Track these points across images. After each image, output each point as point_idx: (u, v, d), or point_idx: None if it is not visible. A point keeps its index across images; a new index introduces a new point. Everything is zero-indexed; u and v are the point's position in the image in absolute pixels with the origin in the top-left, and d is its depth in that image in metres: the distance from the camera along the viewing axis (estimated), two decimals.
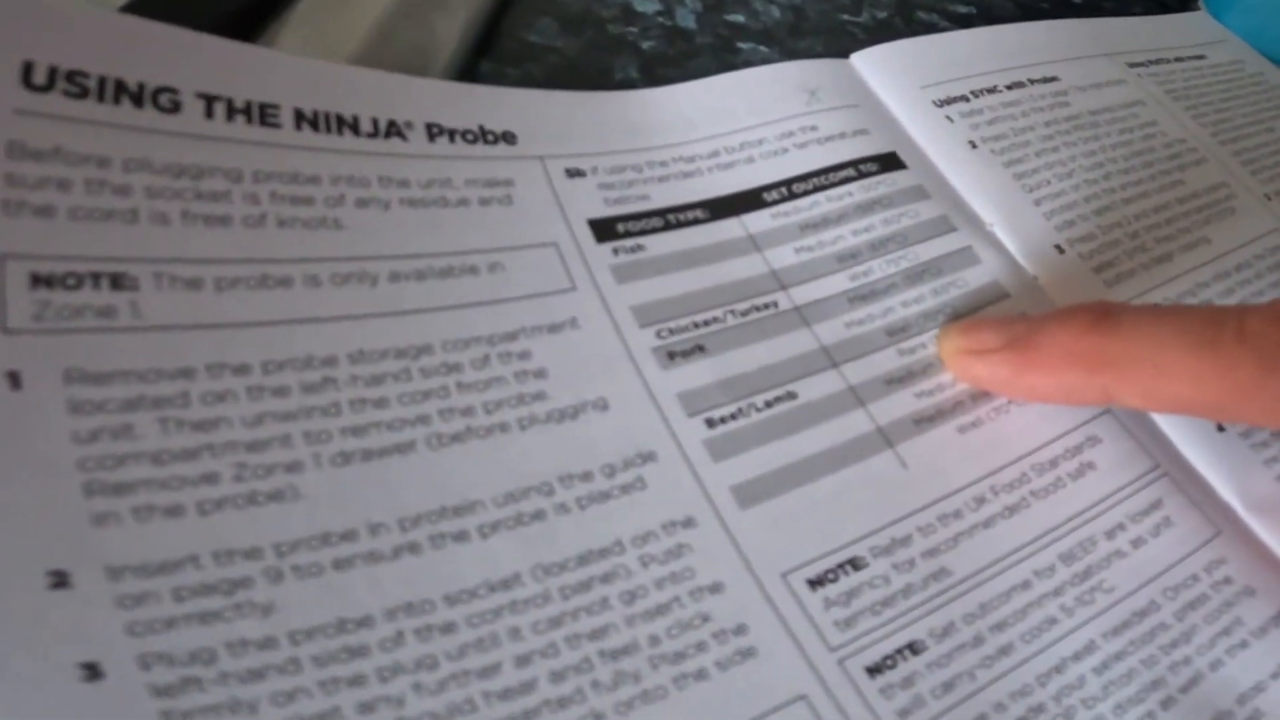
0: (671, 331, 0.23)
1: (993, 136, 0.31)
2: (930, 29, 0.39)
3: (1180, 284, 0.29)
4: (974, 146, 0.31)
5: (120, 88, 0.20)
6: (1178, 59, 0.39)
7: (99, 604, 0.16)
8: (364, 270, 0.21)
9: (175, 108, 0.21)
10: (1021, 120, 0.32)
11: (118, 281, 0.18)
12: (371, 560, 0.18)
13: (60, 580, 0.15)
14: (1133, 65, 0.37)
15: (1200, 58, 0.39)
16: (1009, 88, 0.33)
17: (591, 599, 0.19)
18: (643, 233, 0.25)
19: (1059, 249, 0.29)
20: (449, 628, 0.18)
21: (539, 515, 0.20)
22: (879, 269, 0.27)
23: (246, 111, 0.22)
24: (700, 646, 0.19)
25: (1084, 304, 0.23)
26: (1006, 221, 0.29)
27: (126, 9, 0.23)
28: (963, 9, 0.40)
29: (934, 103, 0.32)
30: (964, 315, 0.26)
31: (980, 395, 0.25)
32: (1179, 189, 0.32)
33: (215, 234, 0.20)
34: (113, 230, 0.19)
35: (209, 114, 0.21)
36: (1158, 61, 0.38)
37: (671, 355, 0.23)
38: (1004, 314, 0.27)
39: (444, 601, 0.18)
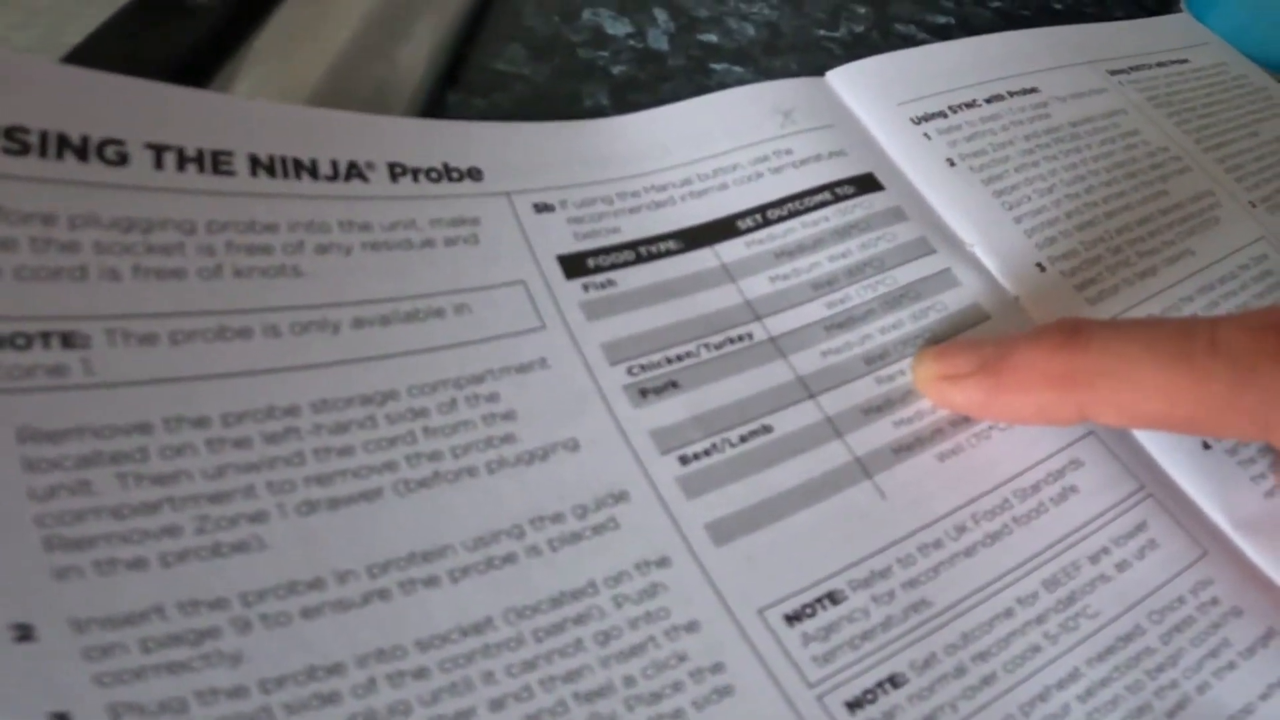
0: (643, 368, 0.24)
1: (971, 153, 0.32)
2: (908, 41, 0.40)
3: (1164, 299, 0.30)
4: (952, 164, 0.32)
5: (63, 142, 0.21)
6: (1160, 64, 0.40)
7: (65, 656, 0.16)
8: (325, 318, 0.22)
9: (122, 160, 0.21)
10: (1001, 135, 0.33)
11: (68, 340, 0.19)
12: (340, 608, 0.19)
13: (25, 633, 0.16)
14: (1114, 72, 0.38)
15: (1183, 62, 0.41)
16: (988, 101, 0.34)
17: (565, 641, 0.20)
18: (613, 267, 0.26)
19: (1040, 267, 0.30)
20: (421, 673, 0.18)
21: (510, 558, 0.20)
22: (856, 295, 0.28)
23: (199, 160, 0.22)
24: (676, 686, 0.20)
25: (1056, 322, 0.23)
26: (986, 241, 0.30)
27: (69, 59, 0.24)
28: (941, 20, 0.42)
29: (911, 120, 0.33)
30: (943, 339, 0.27)
31: (960, 421, 0.26)
32: (1163, 199, 0.33)
33: (169, 287, 0.21)
34: (61, 288, 0.20)
35: (159, 164, 0.22)
36: (1139, 68, 0.39)
37: (644, 392, 0.24)
38: (984, 336, 0.27)
39: (416, 647, 0.19)
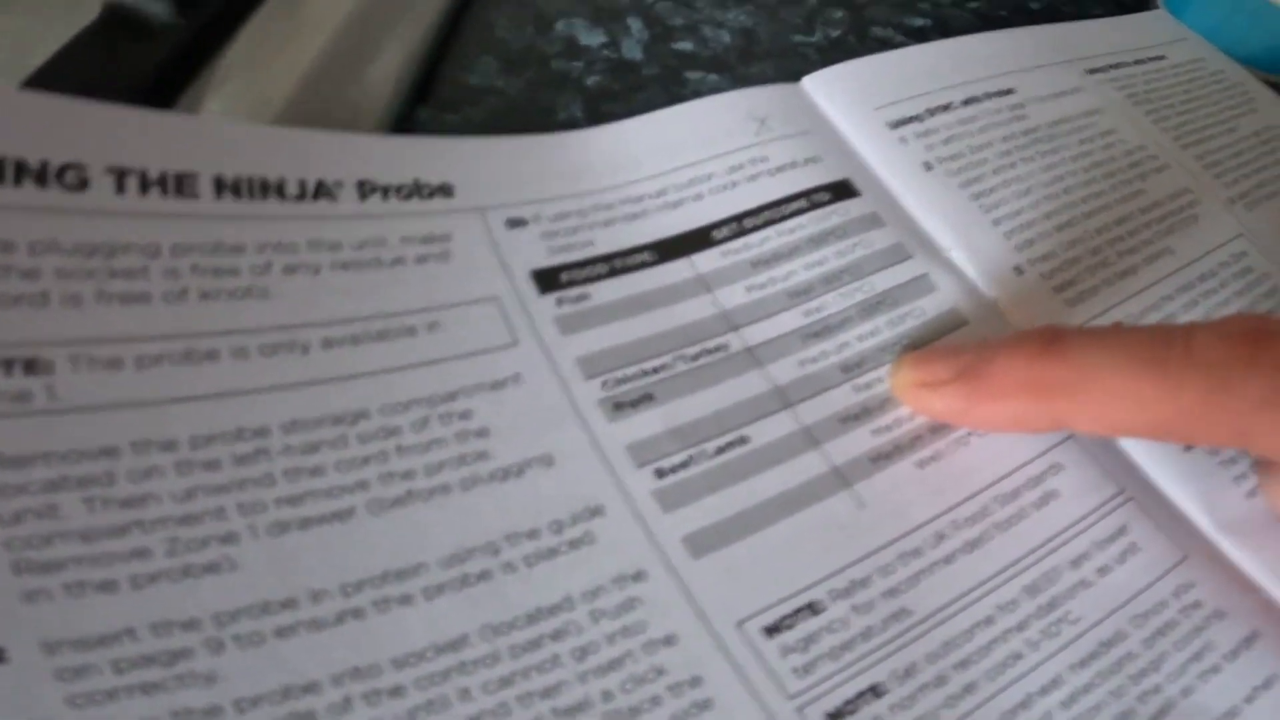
0: (618, 381, 0.25)
1: (948, 156, 0.33)
2: (885, 45, 0.40)
3: (1144, 299, 0.31)
4: (929, 168, 0.32)
5: (20, 168, 0.21)
6: (1137, 61, 0.41)
7: (37, 677, 0.17)
8: (294, 339, 0.22)
9: (82, 184, 0.22)
10: (978, 137, 0.34)
11: (31, 366, 0.20)
12: (314, 627, 0.19)
13: None
14: (1091, 71, 0.39)
15: (1160, 58, 0.41)
16: (965, 103, 0.35)
17: (542, 657, 0.20)
18: (587, 280, 0.26)
19: (1018, 270, 0.30)
20: (397, 691, 0.19)
21: (485, 575, 0.21)
22: (833, 303, 0.28)
23: (161, 183, 0.23)
24: (655, 700, 0.20)
25: (1033, 329, 0.24)
26: (964, 244, 0.31)
27: (29, 83, 0.25)
28: (919, 22, 0.42)
29: (888, 124, 0.33)
30: (921, 345, 0.28)
31: (939, 428, 0.26)
32: (1141, 199, 0.34)
33: (133, 312, 0.21)
34: (22, 315, 0.20)
35: (120, 188, 0.22)
36: (1117, 65, 0.40)
37: (619, 406, 0.24)
38: (962, 342, 0.28)
39: (391, 665, 0.19)
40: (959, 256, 0.30)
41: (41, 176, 0.22)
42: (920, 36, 0.41)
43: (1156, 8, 0.46)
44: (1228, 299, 0.32)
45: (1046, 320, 0.29)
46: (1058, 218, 0.32)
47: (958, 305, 0.29)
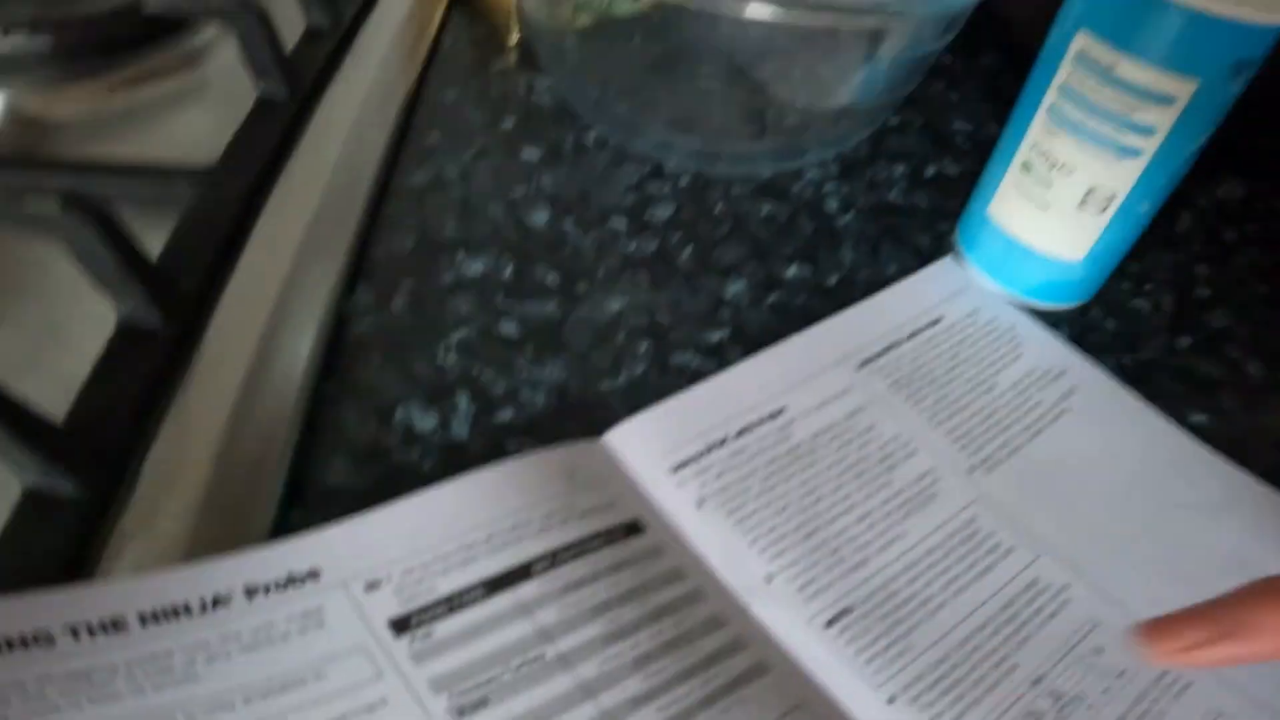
0: (462, 693, 0.44)
1: (718, 490, 0.53)
2: (683, 372, 0.61)
3: (871, 584, 0.50)
4: (701, 505, 0.53)
5: (8, 643, 0.41)
6: (912, 334, 0.62)
7: None
8: (224, 701, 0.42)
9: (50, 642, 0.41)
10: (745, 467, 0.54)
11: None
12: None
13: None
14: (864, 363, 0.60)
15: (936, 322, 0.63)
16: (739, 434, 0.56)
17: None
18: (433, 619, 0.46)
19: (769, 577, 0.50)
20: None
21: None
22: (628, 613, 0.48)
23: (103, 628, 0.43)
24: None
25: (1264, 581, 0.37)
26: (727, 563, 0.51)
27: None
28: (717, 335, 0.63)
29: (670, 469, 0.54)
30: (697, 641, 0.48)
31: (717, 695, 0.46)
32: (886, 490, 0.54)
33: (113, 704, 0.41)
34: (48, 718, 0.40)
35: (75, 638, 0.42)
36: (891, 347, 0.61)
37: (462, 711, 0.44)
38: (721, 642, 0.48)
39: None
40: (723, 573, 0.50)
41: (24, 643, 0.41)
42: (717, 352, 0.62)
43: (953, 251, 0.67)
44: (950, 566, 0.51)
45: (788, 615, 0.49)
46: (806, 527, 0.52)
47: (717, 612, 0.49)
